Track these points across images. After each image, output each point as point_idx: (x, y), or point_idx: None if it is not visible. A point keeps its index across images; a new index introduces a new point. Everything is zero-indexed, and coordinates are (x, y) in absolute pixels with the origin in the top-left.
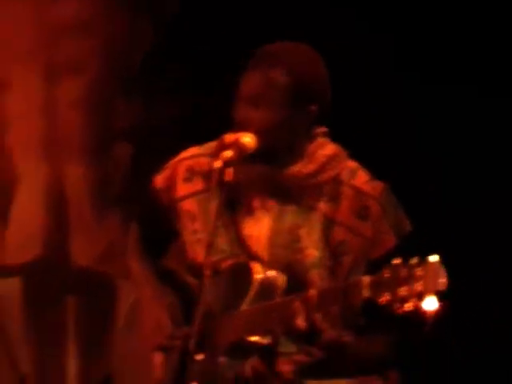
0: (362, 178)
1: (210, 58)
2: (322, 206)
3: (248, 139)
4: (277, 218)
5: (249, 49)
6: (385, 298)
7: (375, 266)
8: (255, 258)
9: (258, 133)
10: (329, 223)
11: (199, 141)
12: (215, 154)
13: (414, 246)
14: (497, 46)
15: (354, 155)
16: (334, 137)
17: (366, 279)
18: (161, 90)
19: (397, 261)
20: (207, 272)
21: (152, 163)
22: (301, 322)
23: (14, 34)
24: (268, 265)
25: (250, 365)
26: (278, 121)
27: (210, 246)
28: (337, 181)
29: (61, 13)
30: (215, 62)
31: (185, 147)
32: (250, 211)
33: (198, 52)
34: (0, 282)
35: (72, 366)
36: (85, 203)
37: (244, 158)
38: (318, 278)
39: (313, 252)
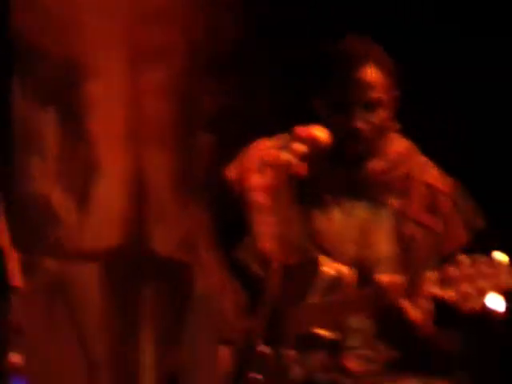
0: (433, 173)
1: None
2: (393, 201)
3: (322, 134)
4: (348, 213)
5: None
6: (450, 294)
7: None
8: (325, 252)
9: (373, 137)
10: (400, 219)
11: (275, 132)
12: (288, 147)
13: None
14: None
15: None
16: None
17: (431, 274)
18: (245, 81)
19: (462, 257)
20: (275, 265)
21: (230, 153)
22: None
23: (99, 20)
24: (338, 260)
25: (318, 359)
26: (387, 118)
27: (279, 240)
28: (408, 177)
29: (145, 0)
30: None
31: (259, 138)
32: (321, 206)
33: (287, 46)
34: (78, 267)
35: (147, 355)
36: (166, 192)
37: (317, 152)
38: (385, 281)
39: (383, 247)
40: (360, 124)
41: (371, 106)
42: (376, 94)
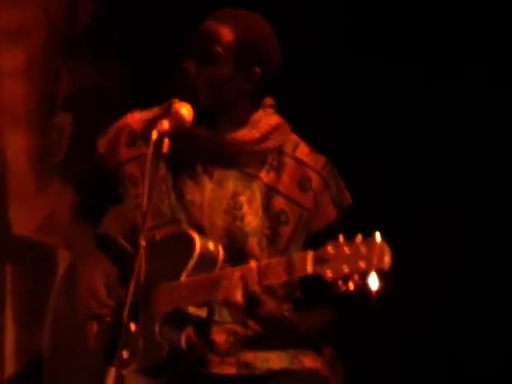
0: (304, 150)
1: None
2: (264, 175)
3: (185, 111)
4: (218, 184)
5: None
6: (328, 274)
7: (316, 239)
8: (196, 224)
9: (200, 88)
10: (270, 192)
11: (143, 106)
12: (157, 120)
13: (354, 221)
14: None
15: (296, 130)
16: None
17: (310, 254)
18: (104, 56)
19: (341, 238)
20: (143, 241)
21: (94, 130)
22: (239, 296)
23: None
24: (208, 231)
25: (185, 335)
26: (221, 77)
27: (146, 215)
28: (280, 152)
29: None
30: (163, 30)
31: (128, 111)
32: (192, 176)
33: (146, 18)
34: None
35: (9, 336)
36: (25, 172)
37: (180, 129)
38: (256, 246)
39: (253, 219)
40: (188, 66)
41: (204, 57)
42: (212, 47)
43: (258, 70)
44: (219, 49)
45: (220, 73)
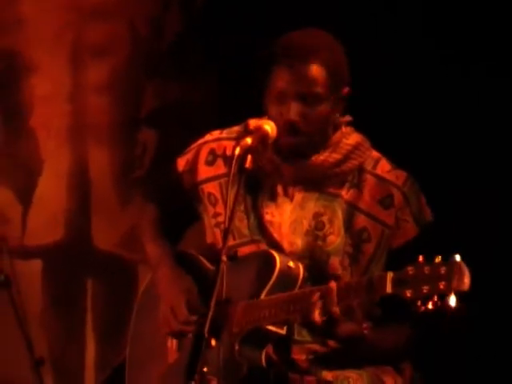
0: (384, 167)
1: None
2: (345, 192)
3: (268, 127)
4: (299, 205)
5: (269, 36)
6: (408, 294)
7: (397, 255)
8: (276, 244)
9: (312, 132)
10: (351, 210)
11: (224, 125)
12: (238, 139)
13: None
14: None
15: (377, 145)
16: (357, 125)
17: (390, 275)
18: (188, 72)
19: (421, 258)
20: (224, 257)
21: (177, 146)
22: (317, 316)
23: (40, 16)
24: (288, 252)
25: (265, 353)
26: (328, 116)
27: (228, 233)
28: (360, 169)
29: None
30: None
31: (209, 130)
32: (272, 197)
33: (225, 39)
34: (21, 263)
35: (90, 350)
36: (108, 187)
37: (264, 145)
38: (339, 265)
39: (335, 239)
40: (294, 116)
41: (308, 100)
42: (314, 89)
43: (346, 89)
44: (319, 89)
45: (323, 110)
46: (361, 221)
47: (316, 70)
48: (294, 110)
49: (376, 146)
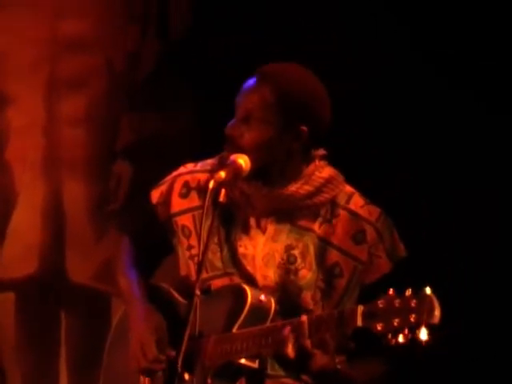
0: (358, 202)
1: (215, 76)
2: (317, 227)
3: (242, 161)
4: (271, 238)
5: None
6: (378, 328)
7: (370, 291)
8: (248, 277)
9: (248, 151)
10: (323, 245)
11: (199, 157)
12: (212, 173)
13: (407, 273)
14: None
15: (350, 180)
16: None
17: (361, 308)
18: (165, 106)
19: (391, 291)
20: (197, 291)
21: (152, 179)
22: (290, 349)
23: (16, 48)
24: (261, 285)
25: None
26: (267, 139)
27: (201, 266)
28: (333, 203)
29: (64, 29)
30: (220, 80)
31: (184, 163)
32: (245, 230)
33: (201, 70)
34: None
35: (63, 383)
36: (83, 220)
37: (237, 179)
38: (310, 300)
39: (306, 273)
40: (228, 130)
41: (250, 120)
42: (254, 110)
43: (304, 128)
44: (260, 112)
45: (263, 135)
46: (333, 256)
47: (263, 92)
48: (230, 125)
49: (349, 180)
